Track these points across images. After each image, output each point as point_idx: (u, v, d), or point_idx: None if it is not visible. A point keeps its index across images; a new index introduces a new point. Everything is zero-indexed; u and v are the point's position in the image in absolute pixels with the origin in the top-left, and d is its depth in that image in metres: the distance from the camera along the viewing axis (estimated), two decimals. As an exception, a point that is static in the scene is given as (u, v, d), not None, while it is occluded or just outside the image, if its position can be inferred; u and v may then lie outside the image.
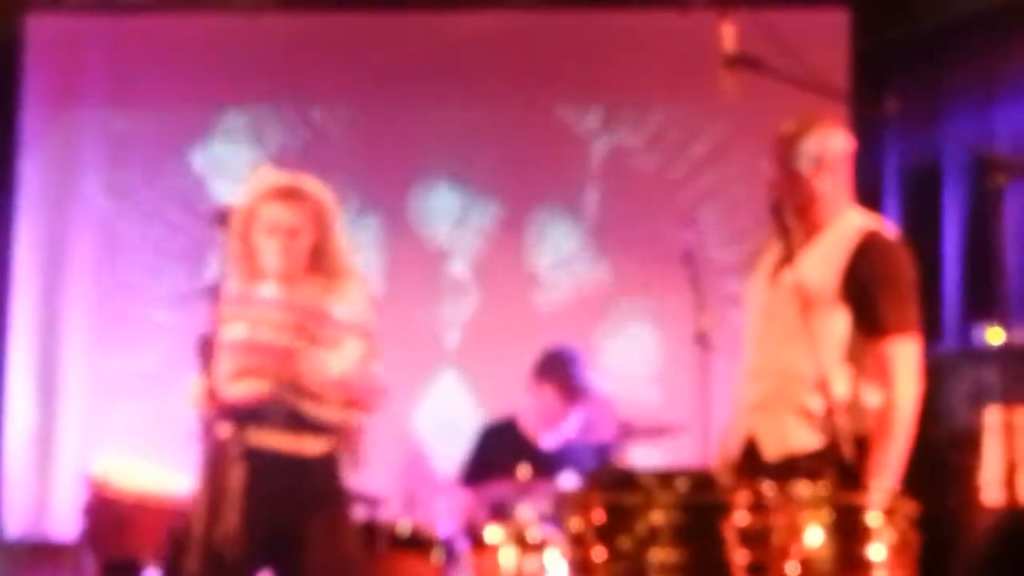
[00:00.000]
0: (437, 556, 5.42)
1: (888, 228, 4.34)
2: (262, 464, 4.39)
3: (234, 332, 4.48)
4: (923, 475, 4.20)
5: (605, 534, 3.45)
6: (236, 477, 4.35)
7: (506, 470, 5.65)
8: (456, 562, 5.42)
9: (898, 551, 3.44)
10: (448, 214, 7.19)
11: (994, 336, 5.38)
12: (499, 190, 7.19)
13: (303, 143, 7.16)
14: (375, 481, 5.52)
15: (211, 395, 4.36)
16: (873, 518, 3.42)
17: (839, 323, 4.17)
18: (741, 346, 4.42)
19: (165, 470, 5.37)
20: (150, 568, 5.34)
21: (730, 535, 3.34)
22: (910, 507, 3.49)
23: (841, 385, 4.11)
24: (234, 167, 7.06)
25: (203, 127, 7.25)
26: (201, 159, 7.24)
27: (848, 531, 3.40)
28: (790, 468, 3.95)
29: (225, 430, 4.40)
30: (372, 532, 5.35)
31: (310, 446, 4.46)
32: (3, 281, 7.24)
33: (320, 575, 4.44)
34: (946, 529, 4.63)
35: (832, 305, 4.16)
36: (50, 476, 7.08)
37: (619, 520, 3.44)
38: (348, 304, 4.56)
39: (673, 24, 6.89)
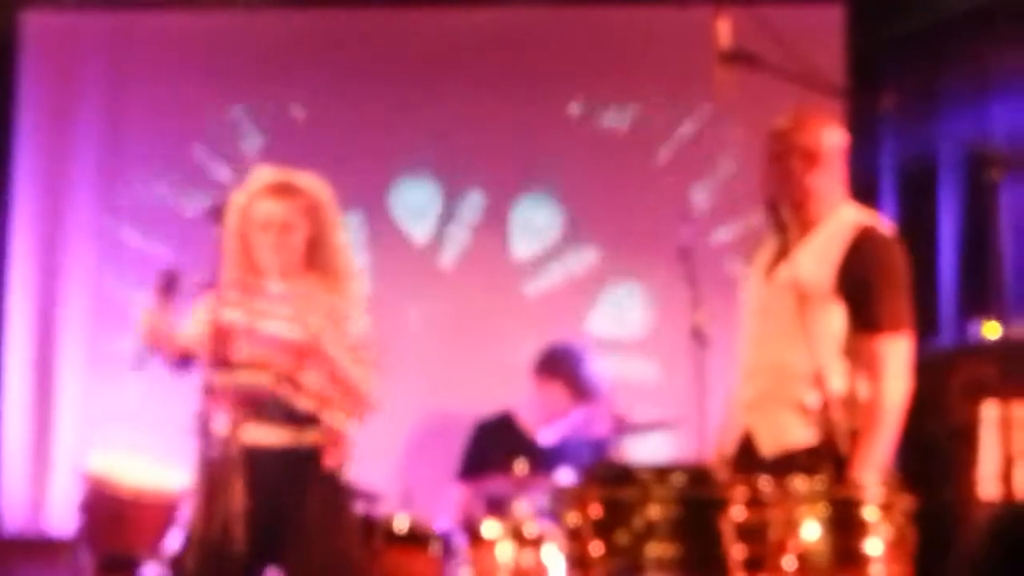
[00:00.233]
0: (435, 551, 5.43)
1: (883, 224, 4.35)
2: (259, 457, 4.40)
3: (234, 317, 4.49)
4: (920, 470, 4.22)
5: (602, 529, 3.46)
6: (233, 471, 4.35)
7: (503, 465, 5.66)
8: (454, 557, 5.43)
9: (895, 545, 3.45)
10: (430, 208, 7.19)
11: (991, 331, 5.39)
12: (482, 181, 7.18)
13: (289, 139, 7.14)
14: (372, 477, 5.52)
15: (157, 335, 4.52)
16: (870, 513, 3.43)
17: (835, 318, 4.17)
18: (737, 334, 4.43)
19: (162, 465, 5.37)
20: (147, 563, 5.34)
21: (727, 530, 3.35)
22: (907, 501, 3.51)
23: (837, 380, 4.12)
24: (231, 163, 7.06)
25: (200, 123, 7.24)
26: (197, 155, 7.23)
27: (845, 526, 3.41)
28: (786, 464, 3.95)
29: (222, 424, 4.40)
30: (370, 527, 5.35)
31: (308, 437, 4.46)
32: (0, 276, 7.24)
33: (320, 568, 4.44)
34: (943, 523, 4.63)
35: (827, 300, 4.17)
36: (47, 471, 7.08)
37: (616, 515, 3.45)
38: (347, 301, 4.57)
39: (668, 19, 6.91)
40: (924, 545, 3.55)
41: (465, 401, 6.80)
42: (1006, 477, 4.20)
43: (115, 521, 5.34)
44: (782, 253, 4.24)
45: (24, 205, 7.25)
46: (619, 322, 7.10)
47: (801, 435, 4.13)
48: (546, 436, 6.11)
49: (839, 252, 4.20)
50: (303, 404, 4.45)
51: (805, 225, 4.29)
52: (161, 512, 5.31)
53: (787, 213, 4.27)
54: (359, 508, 5.41)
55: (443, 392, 6.99)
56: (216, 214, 4.50)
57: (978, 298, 6.16)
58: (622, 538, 3.43)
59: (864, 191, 5.95)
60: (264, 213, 4.55)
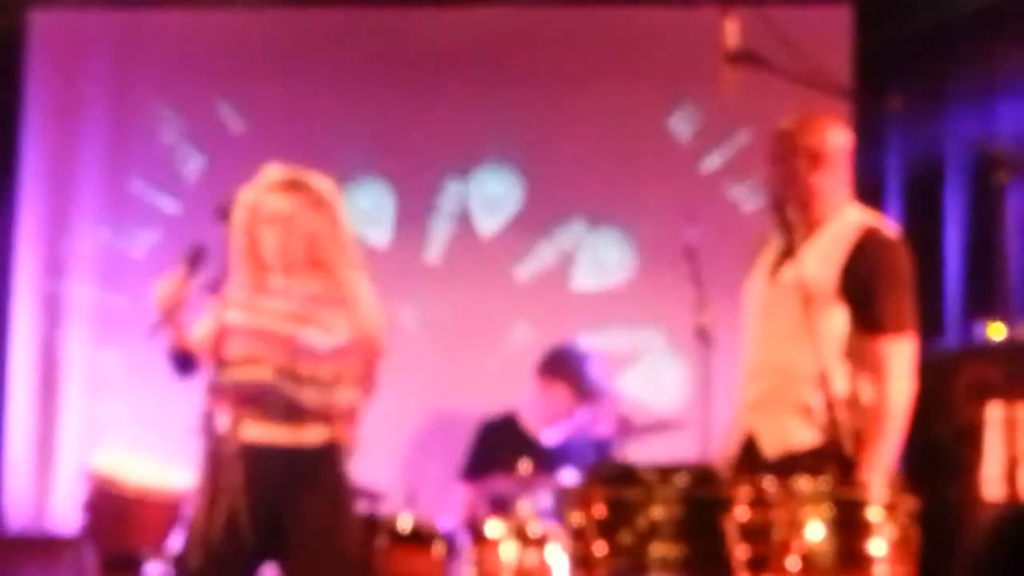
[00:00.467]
0: (438, 550, 5.42)
1: (887, 225, 4.34)
2: (262, 456, 4.40)
3: (234, 318, 4.49)
4: (924, 470, 4.21)
5: (606, 529, 3.46)
6: (236, 470, 4.35)
7: (507, 465, 5.65)
8: (457, 556, 5.42)
9: (899, 546, 3.44)
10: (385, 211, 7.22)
11: (996, 332, 5.38)
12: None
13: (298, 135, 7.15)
14: (376, 475, 5.52)
15: (172, 305, 4.53)
16: (874, 513, 3.42)
17: (838, 320, 4.17)
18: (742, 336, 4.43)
19: (166, 464, 5.37)
20: (151, 562, 5.34)
21: (731, 530, 3.34)
22: (911, 502, 3.50)
23: (839, 382, 4.11)
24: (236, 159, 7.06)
25: (206, 120, 7.24)
26: (205, 153, 7.24)
27: (849, 526, 3.41)
28: (790, 466, 3.95)
29: (224, 422, 4.41)
30: (373, 526, 5.35)
31: (310, 436, 4.46)
32: (5, 275, 7.25)
33: (321, 567, 4.44)
34: (947, 524, 4.62)
35: (831, 302, 4.16)
36: (51, 470, 7.08)
37: (620, 515, 3.45)
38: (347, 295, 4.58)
39: (675, 20, 6.91)
40: (928, 546, 3.54)
41: (468, 398, 6.80)
42: (1010, 478, 4.20)
43: (119, 520, 5.34)
44: (787, 254, 4.23)
45: (30, 202, 7.26)
46: (601, 272, 7.13)
47: (804, 437, 4.13)
48: (550, 436, 6.11)
49: (843, 254, 4.19)
50: (307, 397, 4.44)
51: (810, 226, 4.28)
52: (165, 511, 5.32)
53: (793, 213, 4.26)
54: (363, 507, 5.42)
55: (446, 390, 7.00)
56: (223, 212, 4.51)
57: (983, 299, 6.15)
58: (626, 538, 3.43)
59: (871, 192, 5.96)
60: (271, 207, 4.56)
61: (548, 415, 6.12)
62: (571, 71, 7.12)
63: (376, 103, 7.17)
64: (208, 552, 4.28)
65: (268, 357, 4.43)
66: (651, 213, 6.98)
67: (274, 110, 7.20)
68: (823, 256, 4.20)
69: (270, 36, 7.23)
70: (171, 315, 4.57)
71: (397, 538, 5.39)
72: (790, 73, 4.12)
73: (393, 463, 6.74)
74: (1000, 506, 4.82)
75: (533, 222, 7.16)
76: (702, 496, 3.42)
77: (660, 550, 3.39)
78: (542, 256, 7.15)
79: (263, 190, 4.59)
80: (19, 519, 7.06)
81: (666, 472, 3.47)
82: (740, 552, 3.33)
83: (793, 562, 3.35)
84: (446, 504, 6.09)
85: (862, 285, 4.16)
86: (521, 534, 5.27)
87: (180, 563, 4.51)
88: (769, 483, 3.42)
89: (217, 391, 4.42)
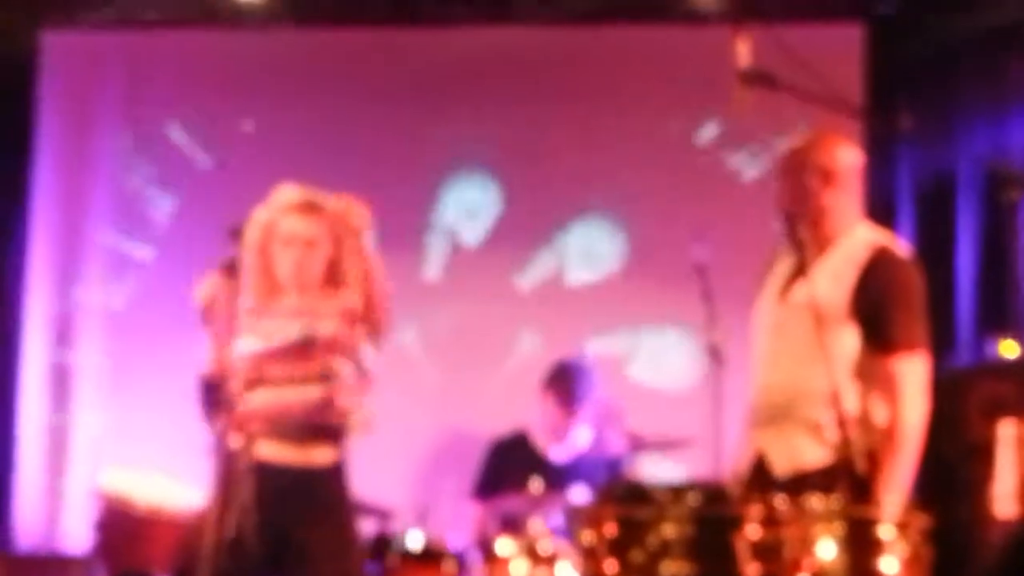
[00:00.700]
0: (449, 568, 5.42)
1: (898, 244, 4.33)
2: (272, 475, 4.40)
3: (247, 345, 4.50)
4: (936, 488, 4.20)
5: (617, 547, 3.45)
6: (246, 489, 4.36)
7: (518, 483, 5.65)
8: (468, 574, 5.42)
9: (911, 564, 3.43)
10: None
11: (1008, 349, 5.38)
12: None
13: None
14: (387, 493, 5.52)
15: (213, 302, 4.47)
16: (886, 531, 3.41)
17: (849, 339, 4.16)
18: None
19: (177, 483, 5.38)
20: (162, 580, 5.35)
21: (742, 548, 3.33)
22: (923, 520, 3.49)
23: (849, 401, 4.10)
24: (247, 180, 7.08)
25: (216, 141, 7.26)
26: (216, 173, 7.26)
27: (861, 544, 3.39)
28: (800, 484, 3.93)
29: (236, 442, 4.41)
30: (384, 544, 5.35)
31: (320, 456, 4.47)
32: (18, 291, 7.26)
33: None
34: (959, 542, 4.61)
35: (842, 321, 4.15)
36: (62, 489, 7.10)
37: (631, 533, 3.44)
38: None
39: (687, 40, 6.93)
40: (940, 563, 3.53)
41: (479, 414, 6.80)
42: (1022, 495, 4.18)
43: (130, 538, 5.35)
44: (798, 272, 4.22)
45: (42, 222, 7.29)
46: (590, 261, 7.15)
47: (815, 455, 4.12)
48: (558, 454, 6.10)
49: (854, 273, 4.18)
50: (323, 417, 4.45)
51: (821, 244, 4.27)
52: (175, 530, 5.32)
53: (804, 232, 4.25)
54: (373, 525, 5.42)
55: (457, 406, 7.00)
56: (235, 233, 4.50)
57: (996, 317, 6.15)
58: (637, 557, 3.42)
59: (882, 210, 5.96)
60: (288, 229, 4.57)
61: (547, 429, 6.13)
62: (567, 88, 7.15)
63: (380, 122, 7.19)
64: (215, 567, 4.28)
65: (280, 379, 4.45)
66: (641, 199, 6.99)
67: (286, 127, 7.22)
68: (834, 275, 4.20)
69: (280, 56, 7.25)
70: (210, 312, 4.54)
71: (408, 556, 5.39)
72: (802, 92, 4.12)
73: (404, 481, 6.74)
74: (1012, 524, 4.81)
75: (517, 226, 7.17)
76: (713, 514, 3.41)
77: (671, 569, 3.38)
78: (537, 259, 7.16)
79: (278, 211, 4.60)
80: (30, 538, 7.06)
81: (677, 490, 3.46)
82: (751, 571, 3.32)
83: (804, 580, 3.34)
84: (457, 522, 6.10)
85: (874, 305, 4.15)
86: (532, 552, 5.27)
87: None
88: (780, 501, 3.41)
89: (231, 409, 4.42)
